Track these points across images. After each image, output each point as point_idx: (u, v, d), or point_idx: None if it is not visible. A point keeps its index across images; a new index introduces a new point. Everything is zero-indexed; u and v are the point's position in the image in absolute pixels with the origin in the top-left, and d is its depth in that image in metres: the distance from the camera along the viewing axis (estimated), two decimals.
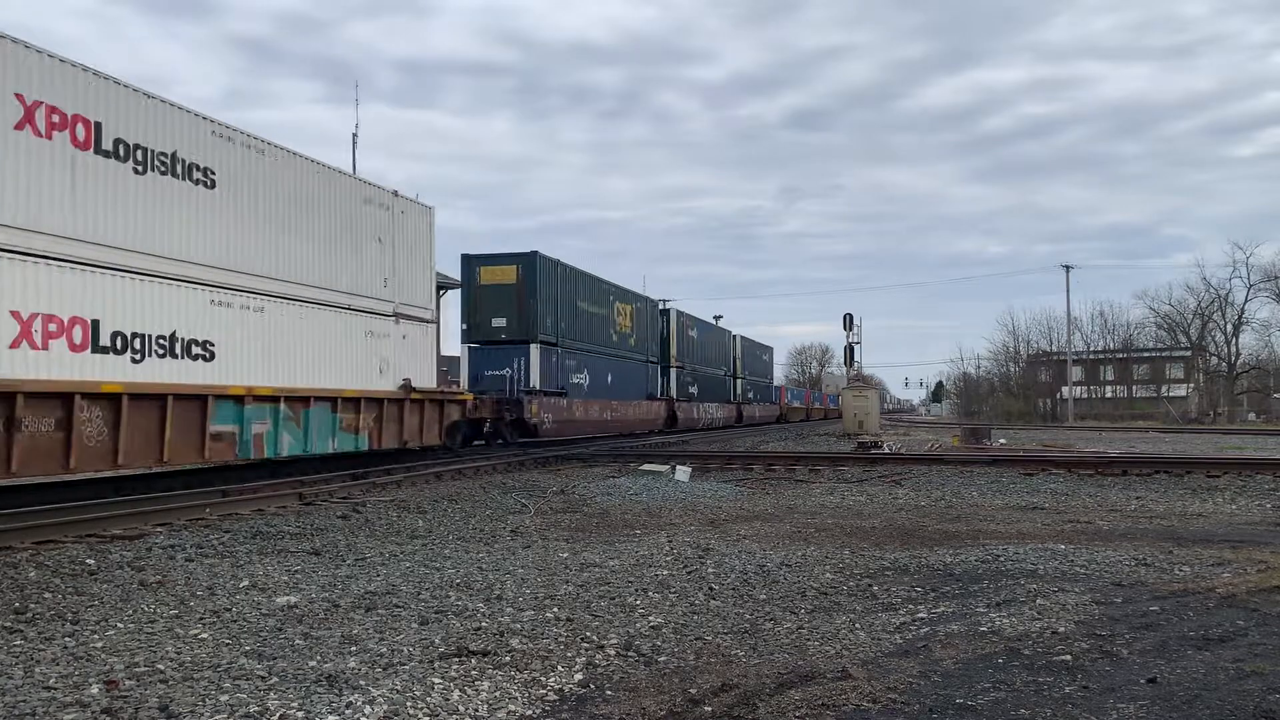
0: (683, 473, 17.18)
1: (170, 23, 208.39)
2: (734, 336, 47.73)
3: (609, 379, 28.37)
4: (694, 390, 38.09)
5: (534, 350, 23.44)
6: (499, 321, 23.75)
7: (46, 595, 6.85)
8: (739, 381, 47.25)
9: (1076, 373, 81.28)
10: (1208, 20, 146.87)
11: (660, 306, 35.32)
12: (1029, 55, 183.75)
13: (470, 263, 24.13)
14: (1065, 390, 79.43)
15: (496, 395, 22.34)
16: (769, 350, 59.04)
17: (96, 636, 5.63)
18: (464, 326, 23.98)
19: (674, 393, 35.08)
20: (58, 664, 5.03)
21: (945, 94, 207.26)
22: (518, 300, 23.61)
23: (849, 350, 45.73)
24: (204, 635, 5.69)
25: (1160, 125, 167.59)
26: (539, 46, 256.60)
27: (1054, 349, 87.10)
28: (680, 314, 37.05)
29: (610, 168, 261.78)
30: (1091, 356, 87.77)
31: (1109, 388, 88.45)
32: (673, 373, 35.30)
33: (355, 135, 27.86)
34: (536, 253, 23.66)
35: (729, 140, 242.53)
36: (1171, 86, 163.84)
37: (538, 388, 23.30)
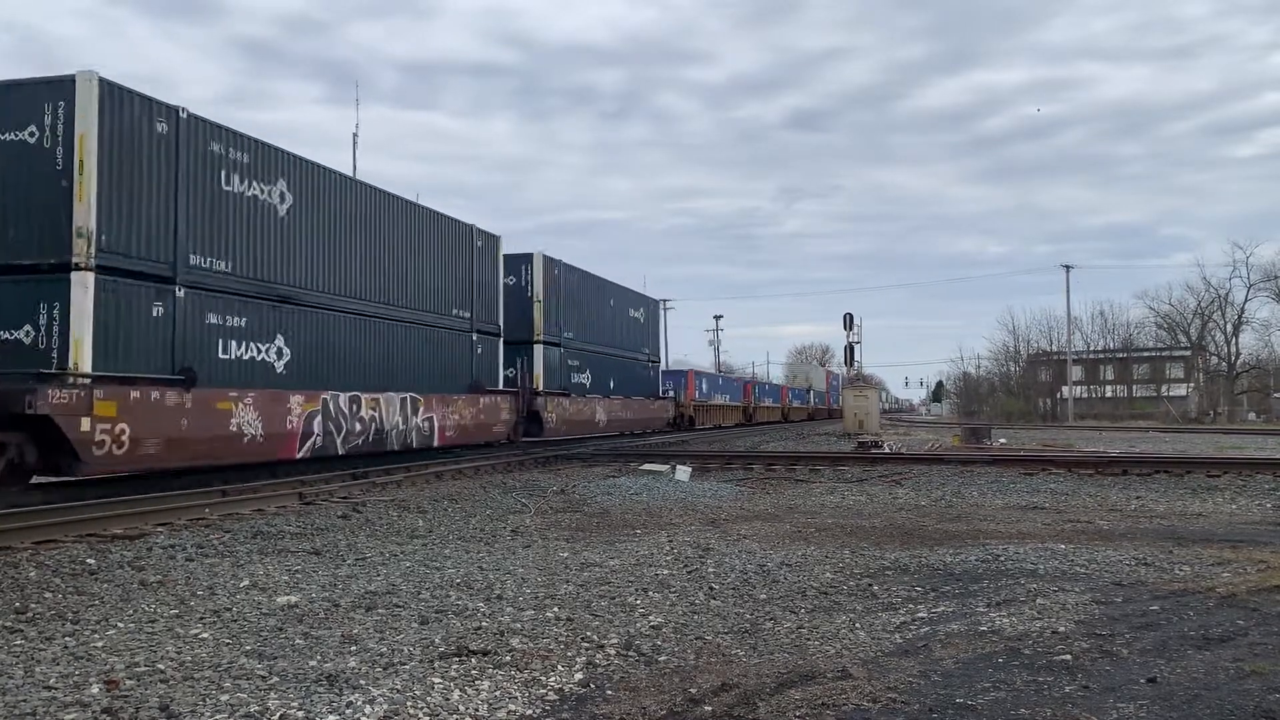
0: (683, 472, 17.17)
1: (171, 24, 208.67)
2: (532, 257, 23.80)
3: None
4: (268, 357, 14.43)
5: None
6: None
7: (47, 595, 6.85)
8: (551, 352, 24.43)
9: (1076, 372, 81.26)
10: (1207, 21, 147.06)
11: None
12: (1029, 56, 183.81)
13: None
14: (1065, 390, 79.42)
15: None
16: (650, 304, 33.66)
17: (97, 636, 5.63)
18: None
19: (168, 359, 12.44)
20: (58, 664, 5.03)
21: (945, 95, 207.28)
22: None
23: (849, 350, 45.60)
24: (204, 635, 5.70)
25: (1159, 126, 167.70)
26: (540, 47, 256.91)
27: (1054, 349, 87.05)
28: (216, 128, 13.20)
29: (610, 168, 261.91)
30: (1091, 356, 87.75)
31: (1109, 387, 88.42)
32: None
33: (356, 136, 27.64)
34: None
35: (729, 141, 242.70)
36: (1171, 87, 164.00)
37: None
